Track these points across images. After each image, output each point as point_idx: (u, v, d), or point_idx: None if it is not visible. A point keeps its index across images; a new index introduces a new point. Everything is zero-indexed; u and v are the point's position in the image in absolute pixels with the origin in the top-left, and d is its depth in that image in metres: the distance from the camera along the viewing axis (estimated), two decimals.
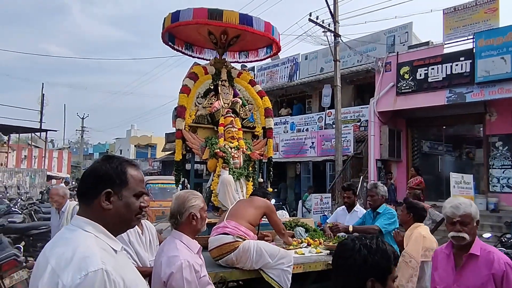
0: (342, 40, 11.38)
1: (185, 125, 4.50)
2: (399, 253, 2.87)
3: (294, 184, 14.60)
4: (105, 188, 1.22)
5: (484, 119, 9.59)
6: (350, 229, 3.77)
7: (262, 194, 3.68)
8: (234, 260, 2.96)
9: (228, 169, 4.20)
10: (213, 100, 4.71)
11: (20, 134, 22.60)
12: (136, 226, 2.67)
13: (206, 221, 3.95)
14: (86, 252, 1.10)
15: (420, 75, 9.80)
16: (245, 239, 3.00)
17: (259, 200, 3.48)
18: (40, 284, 1.08)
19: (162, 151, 23.98)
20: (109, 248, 1.19)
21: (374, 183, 4.16)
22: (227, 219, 3.15)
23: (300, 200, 12.23)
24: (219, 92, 4.74)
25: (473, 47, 9.00)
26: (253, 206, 3.35)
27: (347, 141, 11.77)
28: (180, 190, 5.34)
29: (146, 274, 2.13)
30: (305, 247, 3.71)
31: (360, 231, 3.62)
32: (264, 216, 3.47)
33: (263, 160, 4.93)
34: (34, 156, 21.96)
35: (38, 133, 21.73)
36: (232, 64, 5.17)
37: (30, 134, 22.99)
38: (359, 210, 4.48)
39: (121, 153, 40.82)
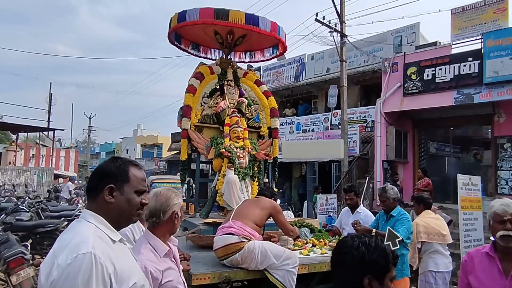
0: (348, 40, 11.32)
1: (190, 125, 4.51)
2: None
3: (298, 185, 14.56)
4: (109, 184, 1.35)
5: (492, 120, 9.46)
6: (373, 233, 3.64)
7: (269, 194, 3.67)
8: (239, 261, 2.96)
9: (233, 169, 4.20)
10: (219, 100, 4.72)
11: (28, 133, 22.76)
12: (141, 225, 2.67)
13: (212, 221, 3.96)
14: (81, 238, 1.24)
15: (428, 75, 9.70)
16: (250, 240, 3.00)
17: (265, 201, 3.47)
18: (43, 262, 1.26)
19: (168, 150, 24.06)
20: (106, 238, 1.30)
21: (382, 188, 4.02)
22: (232, 219, 3.14)
23: (306, 201, 12.18)
24: (225, 92, 4.75)
25: (482, 48, 8.89)
26: (259, 207, 3.33)
27: (353, 141, 11.72)
28: (186, 189, 5.36)
29: None
30: (309, 247, 3.69)
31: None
32: (270, 217, 3.46)
33: (268, 160, 4.92)
34: (42, 155, 22.15)
35: (46, 132, 21.90)
36: (238, 64, 5.17)
37: (38, 133, 23.18)
38: (363, 211, 4.46)
39: (127, 153, 41.07)
